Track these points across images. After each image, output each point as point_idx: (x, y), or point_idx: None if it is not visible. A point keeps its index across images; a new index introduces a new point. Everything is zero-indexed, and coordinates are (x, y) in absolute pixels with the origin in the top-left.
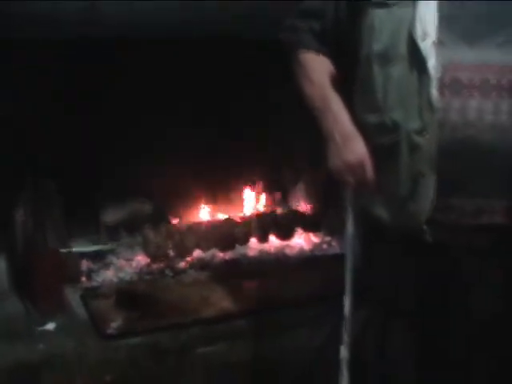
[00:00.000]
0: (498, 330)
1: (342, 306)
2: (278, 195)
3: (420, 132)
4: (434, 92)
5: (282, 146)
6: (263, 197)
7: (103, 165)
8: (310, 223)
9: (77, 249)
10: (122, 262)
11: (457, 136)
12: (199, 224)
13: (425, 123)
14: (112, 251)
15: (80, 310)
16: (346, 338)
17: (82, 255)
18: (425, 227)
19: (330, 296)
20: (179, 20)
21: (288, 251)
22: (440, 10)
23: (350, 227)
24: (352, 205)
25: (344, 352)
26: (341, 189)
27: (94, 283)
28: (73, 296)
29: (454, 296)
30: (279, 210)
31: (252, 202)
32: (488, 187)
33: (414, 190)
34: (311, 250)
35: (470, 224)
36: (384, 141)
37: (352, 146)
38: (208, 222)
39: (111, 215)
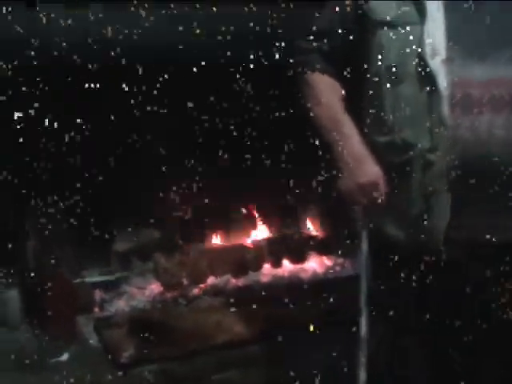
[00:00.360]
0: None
1: (356, 328)
2: (289, 219)
3: (432, 150)
4: (445, 109)
5: (292, 169)
6: (275, 221)
7: (114, 193)
8: (322, 246)
9: (89, 279)
10: (134, 291)
11: (469, 152)
12: (212, 251)
13: (436, 141)
14: (124, 280)
15: (93, 340)
16: (362, 359)
17: (95, 285)
18: (440, 245)
19: (345, 318)
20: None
21: (301, 275)
22: (448, 27)
23: (363, 247)
24: (365, 225)
25: (361, 374)
26: (353, 210)
27: (107, 313)
28: (86, 326)
29: (465, 313)
30: (291, 234)
31: (264, 226)
32: (502, 204)
33: (427, 208)
34: (324, 273)
35: (484, 241)
36: (396, 160)
37: (365, 168)
38: (220, 248)
39: (123, 244)
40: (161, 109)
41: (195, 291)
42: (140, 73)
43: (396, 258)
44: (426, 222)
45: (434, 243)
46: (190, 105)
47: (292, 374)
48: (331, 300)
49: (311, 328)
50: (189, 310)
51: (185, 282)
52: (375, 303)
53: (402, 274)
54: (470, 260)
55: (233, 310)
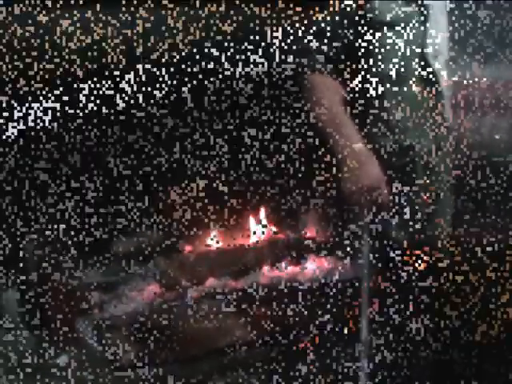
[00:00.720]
0: None
1: (357, 330)
2: (289, 221)
3: (434, 151)
4: (447, 110)
5: (292, 171)
6: (275, 223)
7: (114, 195)
8: (323, 248)
9: (88, 280)
10: (134, 293)
11: (471, 154)
12: (211, 252)
13: (438, 142)
14: (124, 282)
15: (93, 342)
16: (363, 362)
17: (94, 287)
18: (443, 246)
19: (345, 321)
20: None
21: (301, 277)
22: (451, 28)
23: (366, 250)
24: (368, 228)
25: (363, 376)
26: (354, 212)
27: (107, 315)
28: (85, 328)
29: (469, 313)
30: (291, 236)
31: (264, 229)
32: (504, 204)
33: (429, 209)
34: (324, 276)
35: (489, 242)
36: (398, 161)
37: (367, 171)
38: (220, 250)
39: (122, 246)
40: (158, 109)
41: (195, 293)
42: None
43: (398, 258)
44: (428, 223)
45: (435, 244)
46: (188, 104)
47: (293, 376)
48: (332, 302)
49: (312, 331)
50: (189, 312)
51: (184, 284)
52: (377, 305)
53: (403, 275)
54: (472, 259)
55: (233, 312)
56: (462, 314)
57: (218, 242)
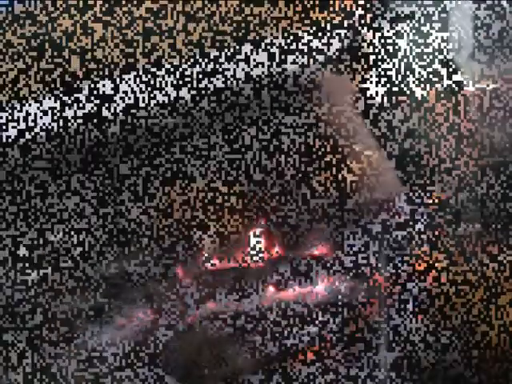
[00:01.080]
0: None
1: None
2: (294, 239)
3: (435, 152)
4: (468, 109)
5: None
6: (279, 242)
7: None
8: (329, 266)
9: (78, 306)
10: (126, 319)
11: (471, 154)
12: (210, 273)
13: (441, 142)
14: (116, 307)
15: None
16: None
17: (84, 313)
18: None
19: (355, 341)
20: None
21: (308, 298)
22: (474, 23)
23: (380, 262)
24: (382, 240)
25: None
26: (365, 227)
27: (96, 343)
28: (75, 357)
29: (470, 324)
30: (296, 255)
31: (267, 247)
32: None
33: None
34: (332, 295)
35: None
36: (412, 168)
37: (379, 182)
38: (220, 270)
39: (114, 268)
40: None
41: (193, 317)
42: None
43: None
44: (437, 232)
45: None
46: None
47: None
48: (342, 322)
49: (320, 352)
50: (186, 337)
51: (182, 307)
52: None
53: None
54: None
55: (234, 336)
56: (461, 314)
57: (218, 262)
